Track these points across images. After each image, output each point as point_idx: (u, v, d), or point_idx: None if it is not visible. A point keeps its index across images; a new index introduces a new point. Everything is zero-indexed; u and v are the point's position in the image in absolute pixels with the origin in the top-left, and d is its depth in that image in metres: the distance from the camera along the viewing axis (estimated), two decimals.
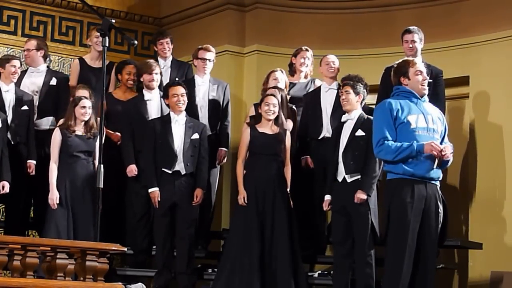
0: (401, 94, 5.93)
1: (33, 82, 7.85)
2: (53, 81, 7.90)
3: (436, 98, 7.05)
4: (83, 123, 7.20)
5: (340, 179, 6.79)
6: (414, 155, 5.78)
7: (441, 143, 5.90)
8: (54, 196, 7.03)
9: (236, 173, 7.27)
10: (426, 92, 5.93)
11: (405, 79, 5.92)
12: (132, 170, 7.44)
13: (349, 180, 6.73)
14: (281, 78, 7.64)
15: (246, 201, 7.04)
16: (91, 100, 7.29)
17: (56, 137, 7.19)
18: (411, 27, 7.37)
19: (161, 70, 7.75)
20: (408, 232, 5.74)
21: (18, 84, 7.72)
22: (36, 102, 7.78)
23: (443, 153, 5.76)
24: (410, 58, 6.16)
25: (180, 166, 7.18)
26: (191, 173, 7.21)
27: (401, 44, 7.49)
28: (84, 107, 7.17)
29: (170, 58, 8.20)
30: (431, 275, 5.84)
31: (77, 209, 7.05)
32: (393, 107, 5.87)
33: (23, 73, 7.90)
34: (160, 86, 7.74)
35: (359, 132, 6.73)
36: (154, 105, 7.59)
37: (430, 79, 7.06)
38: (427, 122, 5.85)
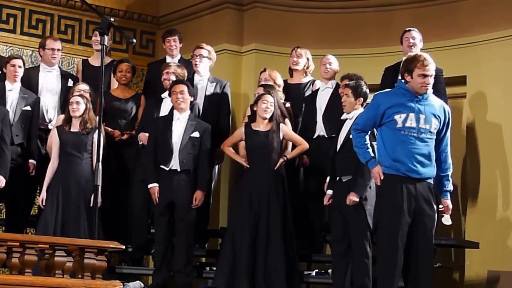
0: (400, 89, 5.89)
1: (49, 82, 7.86)
2: (70, 83, 7.93)
3: (437, 95, 7.06)
4: (79, 119, 7.20)
5: (337, 177, 6.82)
6: (363, 163, 6.03)
7: (440, 142, 5.89)
8: (41, 197, 7.15)
9: (227, 154, 7.46)
10: (425, 91, 5.84)
11: (408, 76, 5.82)
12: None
13: (344, 180, 6.75)
14: (269, 77, 7.61)
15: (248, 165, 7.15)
16: (87, 96, 7.30)
17: (53, 137, 7.24)
18: (409, 27, 7.42)
19: (178, 71, 7.74)
20: (399, 232, 5.76)
21: (34, 83, 7.75)
22: (56, 104, 7.82)
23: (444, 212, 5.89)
24: (422, 56, 5.89)
25: (175, 163, 7.18)
26: (189, 171, 7.21)
27: (398, 44, 7.52)
28: (71, 103, 7.19)
29: (178, 56, 8.23)
30: (429, 274, 5.85)
31: (66, 207, 7.05)
32: (382, 103, 5.87)
33: (36, 70, 7.93)
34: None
35: None
36: (166, 104, 7.60)
37: None
38: (418, 122, 5.79)
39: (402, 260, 5.80)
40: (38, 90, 7.81)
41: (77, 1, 9.10)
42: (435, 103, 5.93)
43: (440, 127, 5.88)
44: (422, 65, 5.79)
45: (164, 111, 7.55)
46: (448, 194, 5.97)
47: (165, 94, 7.63)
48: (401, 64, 6.05)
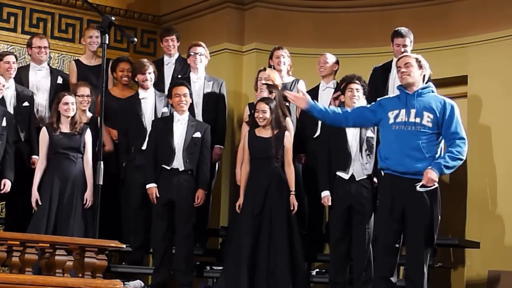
0: (399, 91, 6.06)
1: (39, 81, 7.84)
2: (60, 80, 7.91)
3: None
4: (69, 119, 7.17)
5: (346, 177, 6.78)
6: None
7: (445, 135, 5.89)
8: (33, 197, 7.07)
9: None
10: (409, 80, 5.93)
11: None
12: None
13: (357, 178, 6.77)
14: (268, 77, 7.59)
15: (240, 208, 7.07)
16: (85, 97, 7.30)
17: (42, 136, 7.18)
18: (402, 30, 7.29)
19: (155, 69, 7.70)
20: (385, 232, 5.89)
21: (25, 81, 7.74)
22: (46, 102, 7.78)
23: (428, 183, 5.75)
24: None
25: (178, 163, 7.19)
26: (190, 170, 7.21)
27: None
28: (67, 103, 7.15)
29: (176, 55, 8.21)
30: (422, 272, 5.87)
31: (62, 207, 7.01)
32: (382, 101, 6.11)
33: (26, 69, 7.92)
34: (157, 84, 7.77)
35: (369, 133, 6.81)
36: (149, 103, 7.60)
37: None
38: (408, 116, 5.86)
39: (392, 258, 5.90)
40: (29, 88, 7.76)
41: (78, 0, 9.10)
42: (432, 98, 5.99)
43: (440, 121, 5.88)
44: (397, 61, 6.14)
45: (148, 111, 7.54)
46: (436, 165, 5.74)
47: (143, 94, 7.60)
48: None
